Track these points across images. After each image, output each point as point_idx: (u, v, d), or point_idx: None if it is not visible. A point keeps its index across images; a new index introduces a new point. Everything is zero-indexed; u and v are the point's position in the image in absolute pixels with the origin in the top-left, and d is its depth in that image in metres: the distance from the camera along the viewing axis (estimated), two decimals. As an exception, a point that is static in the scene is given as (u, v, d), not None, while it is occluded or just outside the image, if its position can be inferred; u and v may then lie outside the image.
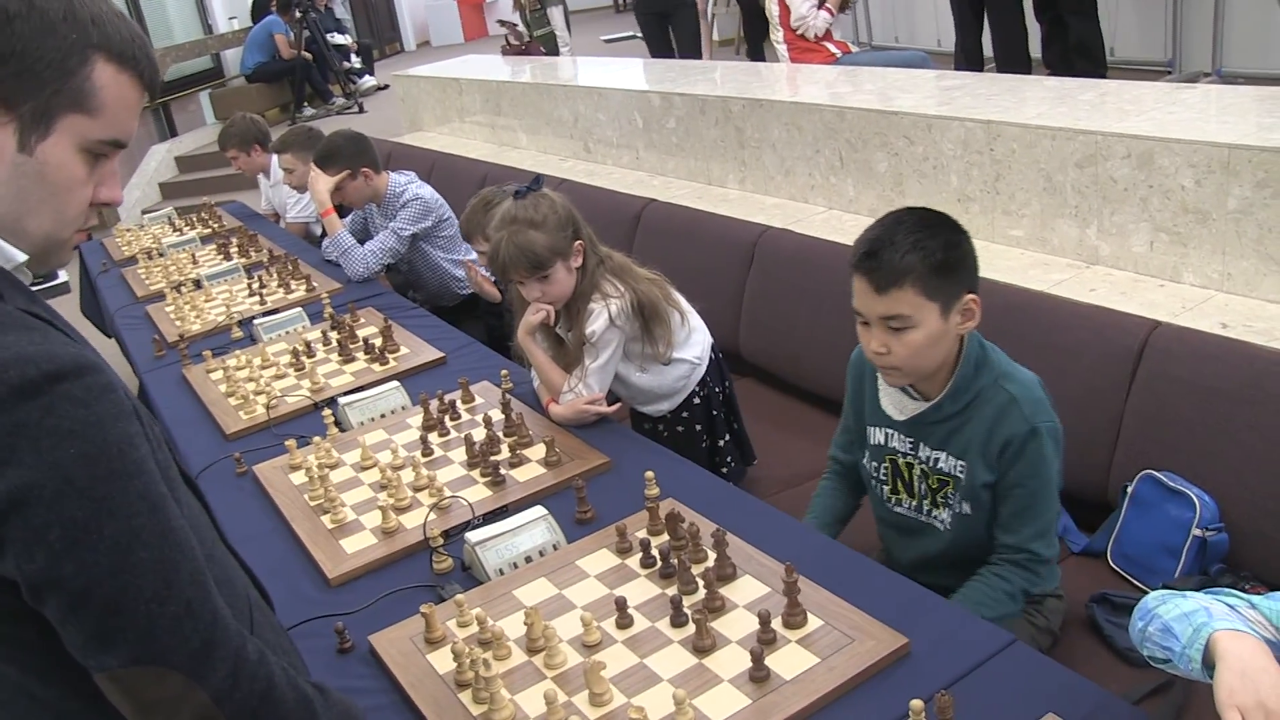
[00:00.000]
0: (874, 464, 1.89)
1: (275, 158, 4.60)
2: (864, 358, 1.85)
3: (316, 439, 2.28)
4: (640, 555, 1.73)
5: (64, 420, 0.91)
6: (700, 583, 1.61)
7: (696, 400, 2.47)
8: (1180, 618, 1.19)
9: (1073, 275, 2.68)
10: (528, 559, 1.80)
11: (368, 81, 10.24)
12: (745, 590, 1.62)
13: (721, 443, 2.51)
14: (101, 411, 0.94)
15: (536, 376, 2.40)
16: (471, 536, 1.80)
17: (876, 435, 1.87)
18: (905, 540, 1.90)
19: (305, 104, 9.60)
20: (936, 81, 3.63)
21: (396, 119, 6.81)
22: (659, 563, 1.70)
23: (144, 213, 5.38)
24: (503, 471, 2.09)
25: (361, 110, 9.34)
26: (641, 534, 1.78)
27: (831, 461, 2.06)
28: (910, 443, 1.81)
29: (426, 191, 3.66)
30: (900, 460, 1.83)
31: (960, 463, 1.75)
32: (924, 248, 1.62)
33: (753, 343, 3.13)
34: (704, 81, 4.35)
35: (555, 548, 1.82)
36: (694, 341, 2.45)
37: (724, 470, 2.48)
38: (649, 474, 1.87)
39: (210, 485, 2.25)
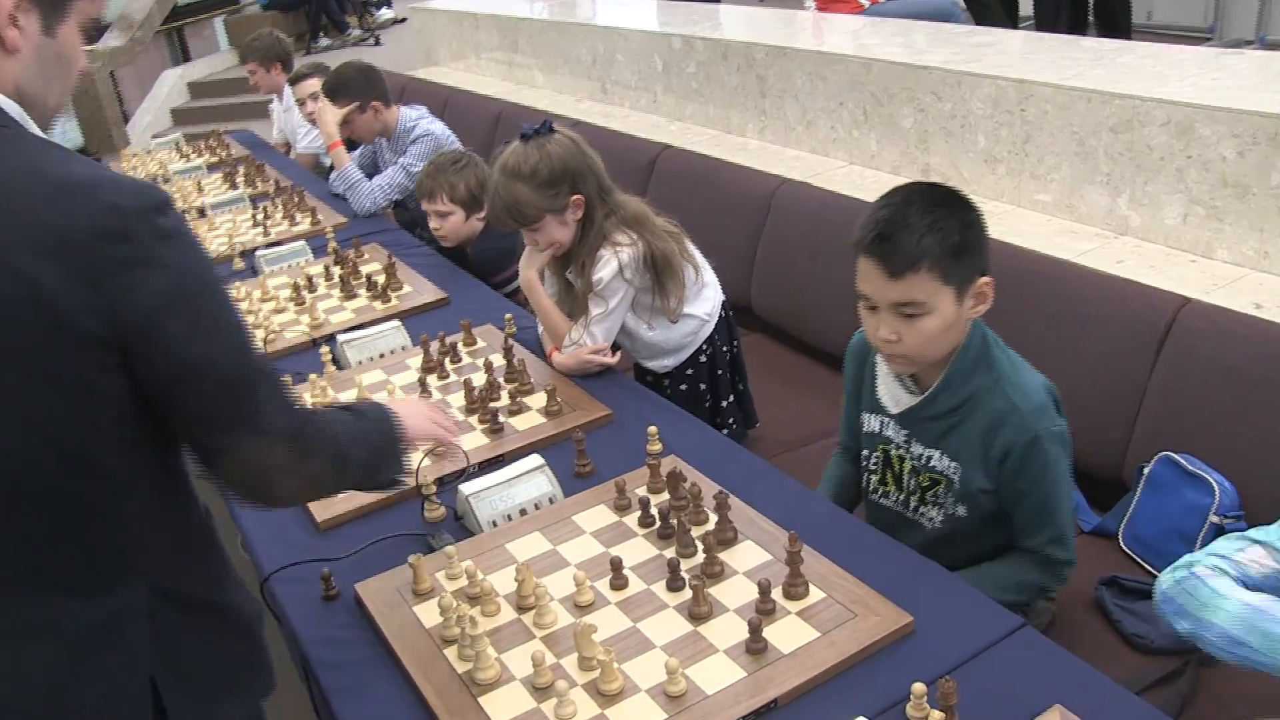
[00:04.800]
0: (866, 451, 1.82)
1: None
2: (864, 344, 1.77)
3: (313, 376, 2.22)
4: (639, 513, 1.67)
5: (186, 230, 1.10)
6: (699, 546, 1.55)
7: (703, 358, 2.39)
8: (1243, 625, 1.18)
9: (1100, 245, 2.59)
10: (523, 511, 1.74)
11: (385, 14, 10.04)
12: (745, 556, 1.56)
13: (725, 403, 2.45)
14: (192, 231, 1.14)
15: (541, 323, 2.33)
16: (465, 488, 1.74)
17: (871, 422, 1.79)
18: (887, 533, 1.83)
19: (321, 34, 9.43)
20: (968, 37, 3.50)
21: (412, 53, 6.67)
22: (658, 522, 1.64)
23: (154, 138, 5.29)
24: (501, 419, 2.03)
25: (378, 43, 9.17)
26: (641, 491, 1.72)
27: (841, 448, 1.98)
28: (904, 435, 1.73)
29: (438, 128, 3.56)
30: (892, 452, 1.76)
31: (954, 464, 1.67)
32: (941, 228, 1.52)
33: (764, 297, 3.05)
34: (727, 26, 4.22)
35: (552, 501, 1.77)
36: (705, 297, 2.37)
37: (725, 431, 2.42)
38: (652, 429, 1.81)
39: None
